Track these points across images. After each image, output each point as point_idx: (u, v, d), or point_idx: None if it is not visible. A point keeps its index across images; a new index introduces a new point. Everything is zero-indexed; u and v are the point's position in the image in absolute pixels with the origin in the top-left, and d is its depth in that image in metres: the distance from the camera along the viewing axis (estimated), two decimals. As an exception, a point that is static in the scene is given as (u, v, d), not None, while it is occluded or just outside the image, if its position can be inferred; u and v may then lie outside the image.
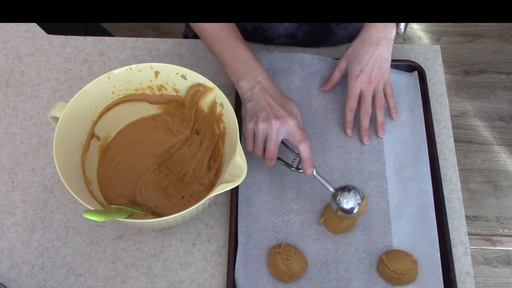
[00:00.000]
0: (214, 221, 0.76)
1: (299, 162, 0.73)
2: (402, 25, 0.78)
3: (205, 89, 0.71)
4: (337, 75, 0.82)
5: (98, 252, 0.73)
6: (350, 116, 0.80)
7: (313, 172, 0.72)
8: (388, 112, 0.82)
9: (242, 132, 0.71)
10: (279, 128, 0.68)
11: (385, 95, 0.80)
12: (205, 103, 0.73)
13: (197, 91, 0.72)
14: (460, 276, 0.72)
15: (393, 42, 0.79)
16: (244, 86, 0.71)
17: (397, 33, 0.78)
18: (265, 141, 0.70)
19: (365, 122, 0.79)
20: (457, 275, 0.71)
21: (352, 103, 0.79)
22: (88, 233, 0.74)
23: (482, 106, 1.81)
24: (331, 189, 0.71)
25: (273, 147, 0.69)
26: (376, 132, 0.81)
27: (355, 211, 0.69)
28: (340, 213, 0.69)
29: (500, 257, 1.58)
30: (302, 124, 0.73)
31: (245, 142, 0.72)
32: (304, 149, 0.69)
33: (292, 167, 0.74)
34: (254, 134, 0.70)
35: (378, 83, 0.78)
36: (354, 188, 0.69)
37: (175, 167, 0.76)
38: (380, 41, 0.77)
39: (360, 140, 0.80)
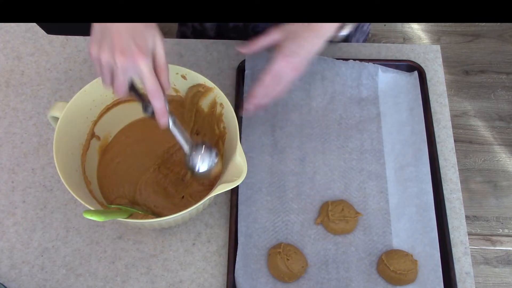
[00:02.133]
0: (214, 221, 0.76)
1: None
2: (346, 31, 0.72)
3: (205, 89, 0.71)
4: (264, 42, 0.72)
5: (98, 252, 0.73)
6: (260, 91, 0.70)
7: (169, 124, 0.61)
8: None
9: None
10: (125, 68, 0.55)
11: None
12: (205, 103, 0.73)
13: (197, 92, 0.72)
14: (460, 276, 0.72)
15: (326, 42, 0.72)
16: None
17: (334, 36, 0.71)
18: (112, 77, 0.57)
19: (265, 102, 0.72)
20: (457, 275, 0.71)
21: (268, 79, 0.70)
22: (88, 233, 0.74)
23: (482, 106, 1.81)
24: (186, 149, 0.62)
25: (119, 87, 0.57)
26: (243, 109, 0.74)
27: (208, 172, 0.62)
28: (191, 173, 0.62)
29: (500, 257, 1.58)
30: (165, 63, 0.58)
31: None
32: (154, 101, 0.57)
33: (147, 112, 0.60)
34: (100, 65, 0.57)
35: (298, 73, 0.71)
36: (206, 145, 0.62)
37: (175, 167, 0.76)
38: (325, 36, 0.70)
39: (243, 109, 0.72)
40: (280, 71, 0.69)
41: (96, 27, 0.56)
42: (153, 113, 0.59)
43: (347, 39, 0.96)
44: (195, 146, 0.63)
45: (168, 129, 0.61)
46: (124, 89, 0.57)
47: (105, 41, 0.54)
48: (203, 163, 0.61)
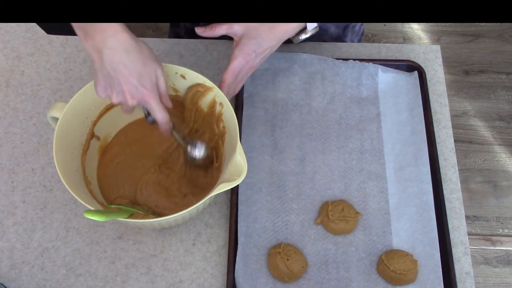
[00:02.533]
0: (214, 221, 0.76)
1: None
2: (307, 34, 0.75)
3: (204, 89, 0.71)
4: (223, 30, 0.73)
5: (98, 252, 0.73)
6: (224, 90, 0.72)
7: (170, 132, 0.70)
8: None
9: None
10: (136, 105, 0.64)
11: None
12: (204, 102, 0.73)
13: (196, 92, 0.72)
14: (460, 276, 0.72)
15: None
16: (90, 50, 0.60)
17: (293, 38, 0.75)
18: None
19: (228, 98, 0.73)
20: (457, 275, 0.71)
21: (231, 78, 0.72)
22: (88, 233, 0.74)
23: (482, 106, 1.81)
24: (185, 146, 0.74)
25: (127, 111, 0.66)
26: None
27: (201, 157, 0.73)
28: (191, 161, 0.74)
29: (500, 257, 1.58)
30: (165, 89, 0.66)
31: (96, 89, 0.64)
32: (162, 126, 0.67)
33: (148, 121, 0.69)
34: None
35: (253, 71, 0.74)
36: (199, 141, 0.74)
37: (176, 166, 0.76)
38: (283, 37, 0.73)
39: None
40: (239, 68, 0.72)
41: (98, 78, 0.62)
42: (152, 122, 0.68)
43: (340, 39, 0.96)
44: (190, 142, 0.73)
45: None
46: (131, 112, 0.66)
47: (114, 87, 0.61)
48: (199, 153, 0.73)
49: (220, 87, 0.71)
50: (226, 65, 0.87)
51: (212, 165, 0.75)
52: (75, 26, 0.61)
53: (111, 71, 0.60)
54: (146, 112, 0.68)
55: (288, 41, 0.77)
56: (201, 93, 0.71)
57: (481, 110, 1.80)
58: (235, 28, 0.72)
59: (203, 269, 0.73)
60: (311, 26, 0.74)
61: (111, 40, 0.58)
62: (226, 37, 0.87)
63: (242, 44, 0.71)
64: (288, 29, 0.72)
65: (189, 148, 0.73)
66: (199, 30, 0.74)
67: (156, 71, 0.63)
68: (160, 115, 0.65)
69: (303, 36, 0.75)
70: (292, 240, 0.74)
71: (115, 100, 0.63)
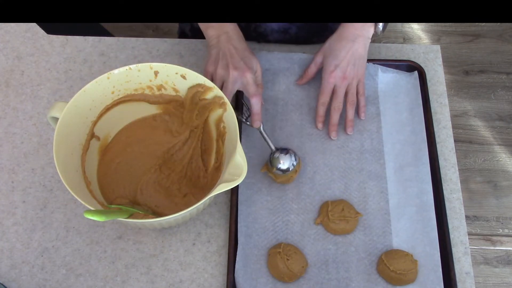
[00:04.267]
0: (214, 221, 0.76)
1: (249, 115, 0.76)
2: (381, 24, 0.78)
3: (204, 89, 0.71)
4: (313, 69, 0.82)
5: (98, 252, 0.73)
6: (322, 110, 0.80)
7: (260, 127, 0.75)
8: (357, 111, 0.82)
9: (203, 74, 0.72)
10: (236, 79, 0.71)
11: (357, 93, 0.80)
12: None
13: (196, 92, 0.72)
14: (460, 276, 0.72)
15: (370, 40, 0.79)
16: (211, 34, 0.75)
17: (375, 32, 0.79)
18: (222, 87, 0.73)
19: (335, 117, 0.79)
20: (457, 275, 0.71)
21: (324, 98, 0.79)
22: (88, 233, 0.74)
23: (482, 106, 1.81)
24: (273, 148, 0.76)
25: (228, 94, 0.72)
26: (345, 128, 0.81)
27: (288, 171, 0.75)
28: (274, 170, 0.75)
29: (500, 257, 1.58)
30: (261, 81, 0.75)
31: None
32: (255, 103, 0.72)
33: (243, 117, 0.77)
34: (212, 78, 0.74)
35: (352, 79, 0.78)
36: (291, 150, 0.76)
37: (177, 167, 0.76)
38: (356, 38, 0.77)
39: (328, 135, 0.81)
40: (330, 87, 0.78)
41: (212, 50, 0.74)
42: (246, 119, 0.77)
43: None
44: (279, 149, 0.76)
45: (258, 131, 0.76)
46: (231, 96, 0.72)
47: (221, 61, 0.72)
48: (284, 163, 0.75)
49: (316, 109, 0.80)
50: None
51: (292, 177, 0.76)
52: (201, 24, 0.75)
53: (224, 49, 0.73)
54: (246, 106, 0.76)
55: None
56: (201, 93, 0.71)
57: (481, 110, 1.80)
58: (317, 60, 0.81)
59: (203, 269, 0.73)
60: None
61: (228, 29, 0.74)
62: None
63: (324, 65, 0.79)
64: (354, 30, 0.77)
65: (277, 154, 0.75)
66: (300, 82, 0.84)
67: (256, 64, 0.74)
68: (253, 89, 0.71)
69: (379, 26, 0.79)
70: (292, 240, 0.74)
71: (219, 71, 0.72)
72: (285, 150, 0.75)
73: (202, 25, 0.75)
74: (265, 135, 0.76)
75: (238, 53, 0.72)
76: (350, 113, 0.80)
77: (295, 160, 0.75)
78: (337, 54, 0.77)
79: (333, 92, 0.79)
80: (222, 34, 0.74)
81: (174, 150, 0.77)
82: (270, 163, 0.75)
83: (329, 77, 0.78)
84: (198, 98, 0.72)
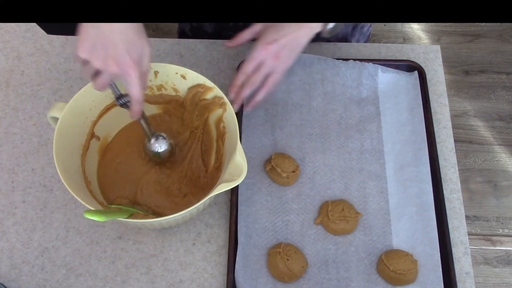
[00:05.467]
0: (214, 221, 0.76)
1: (128, 101, 0.67)
2: (331, 25, 0.72)
3: (204, 89, 0.71)
4: (247, 35, 0.74)
5: (98, 252, 0.73)
6: (241, 80, 0.72)
7: (138, 118, 0.68)
8: (252, 94, 0.75)
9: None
10: (116, 74, 0.61)
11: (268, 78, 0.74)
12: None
13: (197, 92, 0.72)
14: (460, 276, 0.72)
15: (313, 36, 0.73)
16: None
17: (321, 30, 0.72)
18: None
19: (246, 91, 0.73)
20: (457, 275, 0.71)
21: (249, 68, 0.71)
22: (88, 233, 0.74)
23: (482, 106, 1.81)
24: (150, 137, 0.72)
25: (101, 85, 0.63)
26: (245, 105, 0.77)
27: (164, 152, 0.73)
28: (153, 155, 0.74)
29: (500, 257, 1.58)
30: (148, 68, 0.64)
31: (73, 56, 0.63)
32: (134, 105, 0.64)
33: (120, 101, 0.68)
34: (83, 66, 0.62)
35: (281, 63, 0.71)
36: (162, 136, 0.73)
37: (177, 167, 0.76)
38: (304, 26, 0.71)
39: (233, 103, 0.73)
40: (260, 58, 0.70)
41: (87, 34, 0.59)
42: (122, 105, 0.68)
43: (346, 39, 0.96)
44: (155, 136, 0.73)
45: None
46: (105, 87, 0.63)
47: (98, 50, 0.58)
48: (161, 147, 0.73)
49: (236, 76, 0.71)
50: (226, 65, 0.87)
51: (171, 160, 0.76)
52: None
53: (106, 33, 0.58)
54: (117, 93, 0.67)
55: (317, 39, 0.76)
56: (201, 93, 0.71)
57: (481, 110, 1.80)
58: (255, 27, 0.72)
59: (203, 269, 0.73)
60: None
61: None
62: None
63: (263, 34, 0.70)
64: None
65: (152, 141, 0.72)
66: (227, 44, 0.76)
67: (144, 48, 0.62)
68: (136, 90, 0.61)
69: (330, 25, 0.72)
70: (292, 240, 0.74)
71: (96, 64, 0.59)
72: (159, 136, 0.73)
73: None
74: (144, 125, 0.70)
75: (122, 40, 0.58)
76: (261, 95, 0.74)
77: (166, 144, 0.73)
78: (280, 29, 0.69)
79: (256, 65, 0.71)
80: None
81: (175, 150, 0.77)
82: (147, 150, 0.74)
83: (262, 48, 0.69)
84: (198, 98, 0.72)
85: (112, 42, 0.58)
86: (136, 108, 0.64)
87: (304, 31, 0.70)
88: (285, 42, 0.70)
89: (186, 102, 0.74)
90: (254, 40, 0.74)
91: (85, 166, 0.70)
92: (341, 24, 0.74)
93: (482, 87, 1.84)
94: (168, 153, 0.74)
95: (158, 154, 0.73)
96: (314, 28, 0.72)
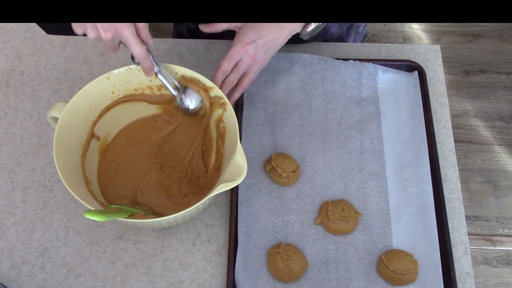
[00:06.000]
0: (214, 221, 0.76)
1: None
2: (311, 27, 0.73)
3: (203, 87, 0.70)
4: (223, 26, 0.74)
5: (98, 252, 0.73)
6: (220, 78, 0.73)
7: (155, 74, 0.68)
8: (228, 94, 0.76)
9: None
10: (111, 39, 0.62)
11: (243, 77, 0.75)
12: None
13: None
14: (460, 276, 0.72)
15: (290, 36, 0.74)
16: None
17: (301, 31, 0.73)
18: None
19: (226, 90, 0.73)
20: (457, 275, 0.71)
21: (227, 66, 0.72)
22: (88, 233, 0.74)
23: (482, 106, 1.81)
24: (173, 92, 0.70)
25: (111, 49, 0.64)
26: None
27: (197, 109, 0.71)
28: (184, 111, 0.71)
29: (500, 257, 1.58)
30: (147, 30, 0.63)
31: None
32: (140, 61, 0.64)
33: (134, 62, 0.68)
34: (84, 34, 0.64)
35: (257, 64, 0.73)
36: (190, 89, 0.70)
37: (177, 166, 0.76)
38: (284, 27, 0.72)
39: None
40: (236, 57, 0.71)
41: None
42: (139, 63, 0.67)
43: (342, 40, 0.96)
44: (182, 89, 0.70)
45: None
46: (115, 49, 0.64)
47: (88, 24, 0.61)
48: (191, 101, 0.70)
49: (215, 74, 0.71)
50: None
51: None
52: None
53: None
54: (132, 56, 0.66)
55: (297, 40, 0.76)
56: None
57: (481, 110, 1.80)
58: (235, 24, 0.72)
59: (203, 269, 0.73)
60: None
61: None
62: (227, 37, 0.88)
63: (241, 33, 0.71)
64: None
65: (180, 95, 0.70)
66: (202, 27, 0.75)
67: None
68: (137, 49, 0.62)
69: (310, 28, 0.73)
70: (292, 240, 0.74)
71: (90, 34, 0.62)
72: (187, 88, 0.70)
73: None
74: (163, 80, 0.68)
75: None
76: (236, 95, 0.75)
77: (199, 96, 0.70)
78: (259, 30, 0.70)
79: (234, 65, 0.72)
80: None
81: (176, 150, 0.77)
82: (178, 105, 0.71)
83: (241, 48, 0.70)
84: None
85: None
86: (144, 65, 0.65)
87: (283, 33, 0.72)
88: (263, 43, 0.71)
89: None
90: (229, 32, 0.73)
91: (85, 166, 0.70)
92: (321, 27, 0.74)
93: (482, 87, 1.84)
94: (200, 104, 0.70)
95: (188, 109, 0.71)
96: (294, 30, 0.73)
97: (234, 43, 0.71)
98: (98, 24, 0.60)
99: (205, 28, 0.75)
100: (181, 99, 0.71)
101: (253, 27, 0.71)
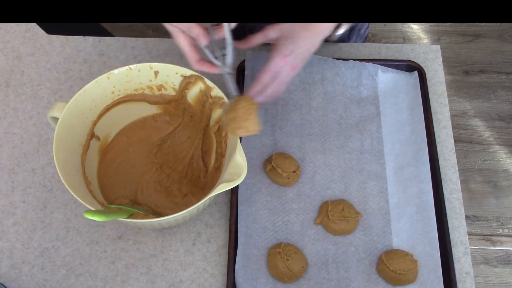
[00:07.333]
0: (214, 221, 0.76)
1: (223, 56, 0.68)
2: (342, 31, 0.74)
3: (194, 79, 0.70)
4: (260, 39, 0.74)
5: (98, 252, 0.73)
6: (257, 88, 0.72)
7: (225, 71, 0.68)
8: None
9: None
10: (178, 43, 0.65)
11: None
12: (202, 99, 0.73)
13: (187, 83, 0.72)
14: (460, 276, 0.72)
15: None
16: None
17: (331, 35, 0.74)
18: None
19: (262, 101, 0.72)
20: (457, 275, 0.71)
21: (267, 78, 0.71)
22: (88, 233, 0.74)
23: (482, 106, 1.81)
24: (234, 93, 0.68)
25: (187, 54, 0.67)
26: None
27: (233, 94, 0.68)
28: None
29: (500, 257, 1.58)
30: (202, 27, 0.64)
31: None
32: (200, 68, 0.67)
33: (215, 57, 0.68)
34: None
35: (295, 73, 0.73)
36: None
37: (178, 166, 0.76)
38: (319, 34, 0.71)
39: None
40: (277, 70, 0.70)
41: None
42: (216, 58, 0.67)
43: (343, 41, 0.96)
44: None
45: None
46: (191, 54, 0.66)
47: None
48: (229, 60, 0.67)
49: (252, 85, 0.70)
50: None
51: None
52: None
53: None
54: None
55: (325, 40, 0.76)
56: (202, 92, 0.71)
57: (481, 110, 1.80)
58: (270, 34, 0.72)
59: (203, 269, 0.73)
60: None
61: None
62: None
63: (280, 45, 0.70)
64: (323, 26, 0.70)
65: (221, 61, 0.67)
66: (239, 45, 0.75)
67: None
68: (190, 57, 0.65)
69: (339, 32, 0.74)
70: (292, 240, 0.74)
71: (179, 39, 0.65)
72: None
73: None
74: (229, 80, 0.68)
75: None
76: (269, 100, 0.74)
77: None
78: (296, 40, 0.70)
79: (272, 76, 0.72)
80: None
81: (176, 150, 0.77)
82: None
83: (280, 60, 0.70)
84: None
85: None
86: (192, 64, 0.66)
87: (318, 40, 0.71)
88: (301, 52, 0.71)
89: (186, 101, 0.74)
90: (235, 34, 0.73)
91: (85, 166, 0.70)
92: (349, 28, 0.74)
93: (482, 87, 1.84)
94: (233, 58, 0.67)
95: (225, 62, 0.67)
96: (326, 35, 0.72)
97: (272, 56, 0.70)
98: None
99: (241, 45, 0.75)
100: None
101: (290, 38, 0.70)
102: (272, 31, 0.72)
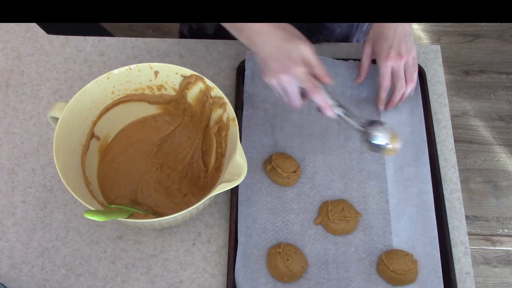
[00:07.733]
0: (214, 221, 0.76)
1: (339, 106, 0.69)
2: None
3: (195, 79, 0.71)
4: (366, 62, 0.81)
5: (98, 252, 0.73)
6: (384, 94, 0.79)
7: (335, 114, 0.69)
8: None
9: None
10: (289, 81, 0.66)
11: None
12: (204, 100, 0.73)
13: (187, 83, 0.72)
14: (460, 276, 0.72)
15: None
16: (244, 42, 0.69)
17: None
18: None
19: (398, 96, 0.79)
20: (457, 275, 0.71)
21: (386, 83, 0.78)
22: (88, 233, 0.74)
23: (482, 106, 1.81)
24: (359, 127, 0.69)
25: (292, 98, 0.68)
26: (386, 106, 0.82)
27: (387, 146, 0.68)
28: (370, 147, 0.69)
29: (500, 257, 1.58)
30: (315, 61, 0.66)
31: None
32: (316, 98, 0.67)
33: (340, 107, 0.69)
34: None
35: (408, 57, 0.77)
36: (383, 122, 0.69)
37: (178, 166, 0.76)
38: (405, 26, 0.76)
39: (385, 109, 0.82)
40: (388, 71, 0.76)
41: (259, 61, 0.68)
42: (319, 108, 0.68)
43: (347, 39, 0.96)
44: (369, 124, 0.69)
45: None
46: (297, 98, 0.68)
47: (268, 69, 0.67)
48: (381, 137, 0.68)
49: (379, 94, 0.78)
50: (226, 65, 0.87)
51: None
52: (227, 26, 0.68)
53: (263, 54, 0.66)
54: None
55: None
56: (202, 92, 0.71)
57: (481, 110, 1.80)
58: (367, 50, 0.79)
59: (203, 269, 0.73)
60: None
61: (256, 27, 0.65)
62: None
63: (377, 51, 0.77)
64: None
65: (367, 134, 0.69)
66: (357, 81, 0.83)
67: (298, 46, 0.65)
68: (309, 86, 0.65)
69: None
70: (292, 240, 0.74)
71: (272, 81, 0.67)
72: (376, 122, 0.69)
73: (235, 33, 0.69)
74: (345, 117, 0.69)
75: (277, 51, 0.65)
76: (408, 91, 0.79)
77: (391, 131, 0.68)
78: (386, 36, 0.75)
79: (393, 74, 0.77)
80: (253, 36, 0.66)
81: (176, 150, 0.77)
82: (364, 144, 0.69)
83: (386, 61, 0.76)
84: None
85: (272, 60, 0.65)
86: (318, 102, 0.67)
87: (400, 29, 0.75)
88: (398, 43, 0.75)
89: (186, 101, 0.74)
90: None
91: (85, 166, 0.70)
92: (354, 29, 0.77)
93: (482, 87, 1.84)
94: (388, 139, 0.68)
95: (381, 147, 0.68)
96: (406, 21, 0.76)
97: (379, 62, 0.77)
98: (275, 68, 0.65)
99: (359, 80, 0.83)
100: (369, 135, 0.68)
101: (379, 38, 0.76)
102: (367, 48, 0.79)
